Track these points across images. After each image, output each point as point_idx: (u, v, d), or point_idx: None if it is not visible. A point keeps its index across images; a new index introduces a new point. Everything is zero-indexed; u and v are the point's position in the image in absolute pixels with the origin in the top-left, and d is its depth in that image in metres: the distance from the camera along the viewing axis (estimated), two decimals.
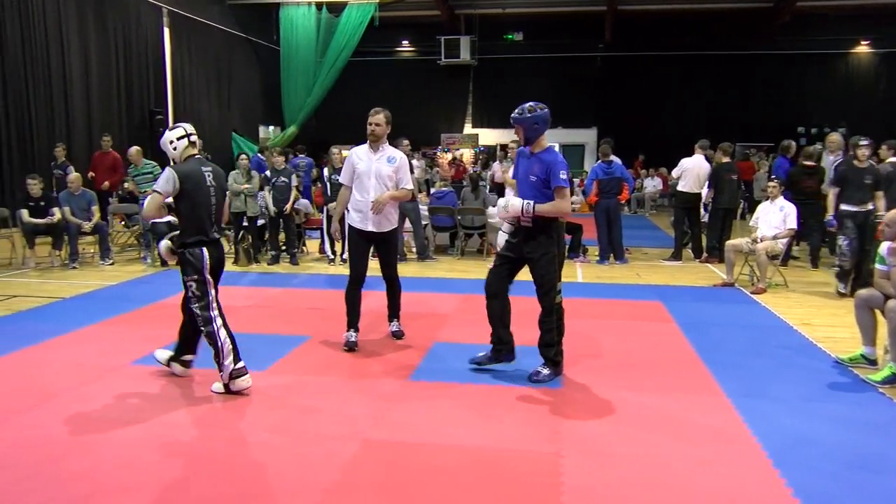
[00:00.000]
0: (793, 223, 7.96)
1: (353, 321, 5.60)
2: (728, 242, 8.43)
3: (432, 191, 11.52)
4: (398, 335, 5.90)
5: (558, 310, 4.83)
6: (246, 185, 9.42)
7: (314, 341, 5.74)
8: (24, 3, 12.24)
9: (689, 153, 10.08)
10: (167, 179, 4.37)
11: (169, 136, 4.56)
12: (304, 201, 10.54)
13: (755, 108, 21.26)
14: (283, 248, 9.89)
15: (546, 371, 4.81)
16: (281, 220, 9.62)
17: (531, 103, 4.81)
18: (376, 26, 19.53)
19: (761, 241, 7.91)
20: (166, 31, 16.50)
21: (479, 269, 9.19)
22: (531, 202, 4.61)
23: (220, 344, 4.42)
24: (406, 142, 9.94)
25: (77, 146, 13.41)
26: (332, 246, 9.72)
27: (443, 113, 24.00)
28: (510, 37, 22.87)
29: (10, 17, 11.96)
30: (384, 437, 3.82)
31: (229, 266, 9.37)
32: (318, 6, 19.72)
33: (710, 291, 7.95)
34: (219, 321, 4.48)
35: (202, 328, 4.48)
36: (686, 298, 7.48)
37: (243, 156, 9.91)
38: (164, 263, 9.34)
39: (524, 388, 4.61)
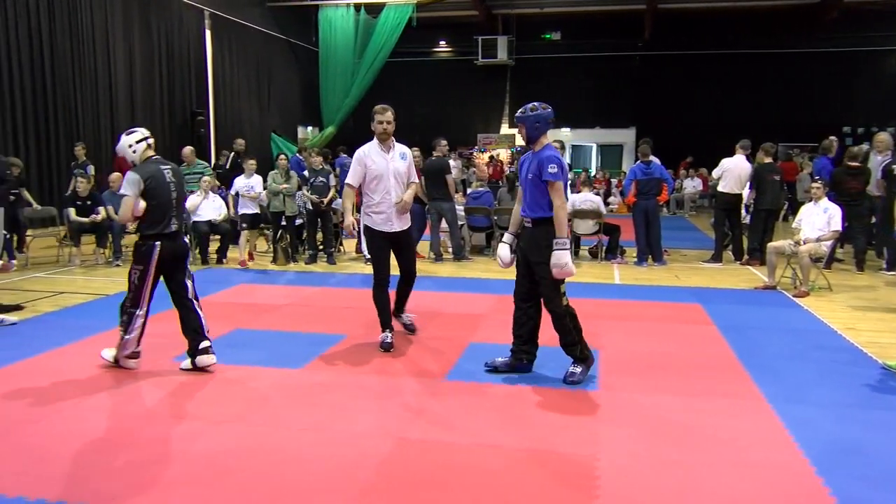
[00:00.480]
0: (837, 225, 7.77)
1: (386, 322, 5.58)
2: (770, 244, 8.27)
3: (469, 191, 11.51)
4: (412, 328, 6.00)
5: (568, 311, 4.70)
6: (285, 185, 9.54)
7: (350, 340, 5.79)
8: (73, 9, 12.59)
9: (730, 153, 9.91)
10: (132, 182, 4.70)
11: (128, 140, 4.88)
12: (340, 201, 10.62)
13: (799, 107, 20.80)
14: (321, 247, 9.98)
15: (578, 369, 4.76)
16: (318, 219, 9.72)
17: (534, 103, 4.83)
18: (414, 27, 19.64)
19: (804, 243, 7.75)
20: (208, 33, 16.79)
21: (515, 270, 9.15)
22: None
23: (130, 330, 4.87)
24: (444, 142, 9.97)
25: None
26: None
27: (479, 113, 24.00)
28: (548, 36, 22.76)
29: (61, 23, 12.30)
30: (420, 437, 3.83)
31: (268, 265, 9.55)
32: (357, 7, 19.89)
33: (750, 294, 7.81)
34: (141, 311, 4.88)
35: (127, 310, 4.89)
36: (726, 301, 7.36)
37: (282, 156, 10.04)
38: (204, 262, 9.55)
39: (560, 390, 4.58)
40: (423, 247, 10.25)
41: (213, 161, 15.88)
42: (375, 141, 5.57)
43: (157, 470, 3.41)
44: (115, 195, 9.57)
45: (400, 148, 5.65)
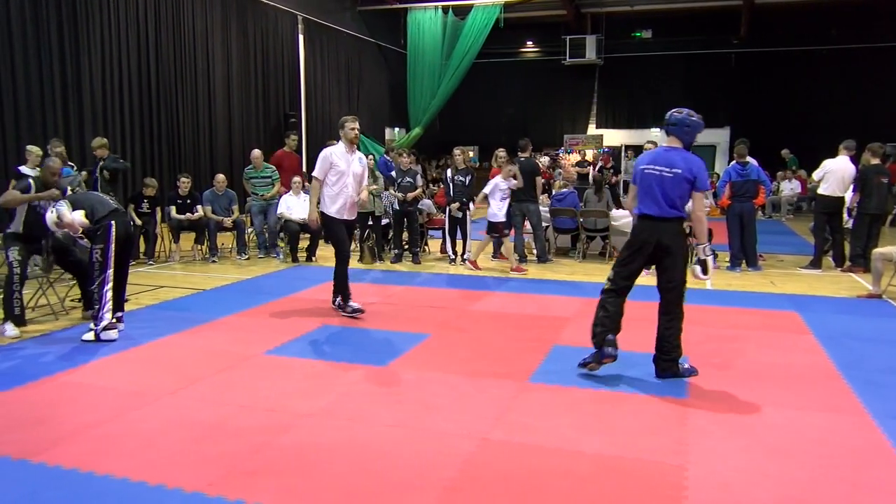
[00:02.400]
0: None
1: (348, 294, 6.66)
2: (875, 251, 7.80)
3: (553, 192, 11.40)
4: (359, 312, 6.65)
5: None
6: (373, 186, 9.70)
7: (434, 339, 5.84)
8: (177, 17, 13.25)
9: (832, 154, 9.43)
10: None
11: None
12: (427, 202, 10.74)
13: None
14: (406, 246, 10.11)
15: (687, 365, 4.88)
16: (405, 219, 9.85)
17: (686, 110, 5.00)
18: (501, 28, 19.61)
19: None
20: (301, 37, 17.29)
21: (601, 273, 9.00)
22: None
23: (103, 302, 5.62)
24: (527, 141, 9.92)
25: (218, 148, 14.37)
26: (454, 246, 9.85)
27: (566, 113, 23.73)
28: (638, 34, 22.28)
29: (166, 30, 12.97)
30: (503, 438, 3.83)
31: (354, 263, 9.74)
32: (445, 9, 20.04)
33: (853, 303, 7.40)
34: (108, 284, 5.65)
35: (95, 286, 5.65)
36: (826, 310, 7.01)
37: (369, 157, 10.21)
38: (294, 259, 9.85)
39: (647, 396, 4.47)
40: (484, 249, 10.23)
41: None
42: (341, 144, 6.64)
43: (250, 460, 3.54)
44: (217, 195, 10.03)
45: (359, 154, 6.78)
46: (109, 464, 3.47)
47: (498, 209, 9.15)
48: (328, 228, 6.87)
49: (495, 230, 9.27)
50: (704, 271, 4.67)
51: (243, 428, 3.94)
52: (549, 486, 3.29)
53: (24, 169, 9.28)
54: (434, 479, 3.34)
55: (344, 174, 6.53)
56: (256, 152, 10.57)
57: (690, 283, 5.08)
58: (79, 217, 5.63)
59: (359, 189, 6.70)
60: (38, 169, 6.17)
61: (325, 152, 6.62)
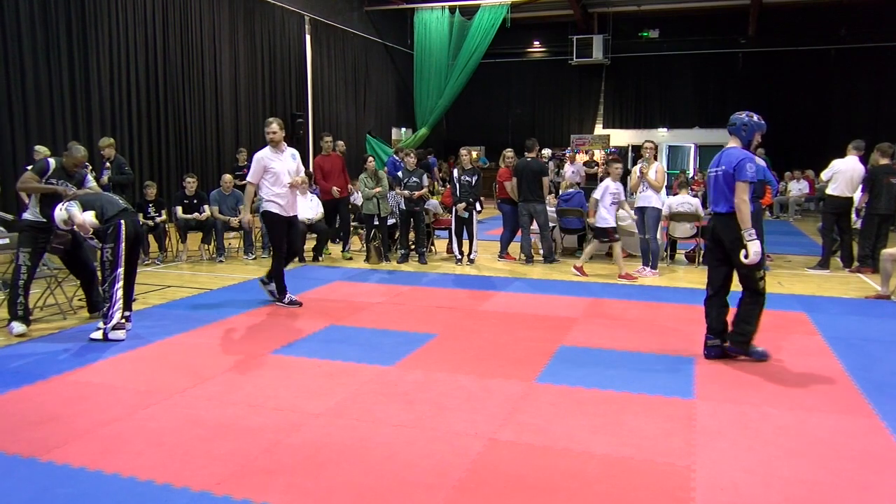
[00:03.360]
0: None
1: (284, 288, 7.06)
2: (884, 251, 7.76)
3: (560, 192, 11.39)
4: (297, 303, 7.05)
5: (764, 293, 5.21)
6: (377, 189, 9.69)
7: (441, 339, 5.84)
8: (184, 18, 13.30)
9: (840, 154, 9.39)
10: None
11: None
12: (433, 202, 10.74)
13: None
14: (413, 246, 10.12)
15: (760, 349, 5.20)
16: (411, 219, 9.85)
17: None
18: (508, 28, 19.61)
19: None
20: (308, 37, 17.34)
21: (607, 273, 9.01)
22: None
23: (114, 300, 5.66)
24: (534, 141, 9.92)
25: (226, 148, 14.41)
26: (460, 246, 9.85)
27: (573, 113, 23.72)
28: (646, 34, 22.24)
29: (173, 32, 13.03)
30: (511, 438, 3.82)
31: (361, 264, 9.76)
32: (452, 10, 20.05)
33: (861, 304, 7.37)
34: (119, 283, 5.69)
35: (106, 285, 5.73)
36: (834, 310, 6.98)
37: (370, 158, 10.18)
38: (301, 259, 9.86)
39: (654, 397, 4.46)
40: (514, 248, 10.22)
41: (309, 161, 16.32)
42: (269, 147, 6.92)
43: (258, 459, 3.55)
44: (224, 195, 10.06)
45: (290, 150, 7.10)
46: (117, 463, 3.48)
47: (608, 214, 8.69)
48: (270, 227, 7.19)
49: (605, 235, 8.84)
50: (746, 255, 4.94)
51: (252, 427, 3.95)
52: (558, 486, 3.29)
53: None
54: (443, 480, 3.34)
55: (279, 174, 6.85)
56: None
57: (704, 283, 5.17)
58: (89, 218, 5.66)
59: (294, 175, 6.99)
60: (65, 153, 6.19)
61: (257, 156, 6.94)
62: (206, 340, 5.80)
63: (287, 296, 7.09)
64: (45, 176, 6.01)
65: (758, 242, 4.94)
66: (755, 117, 5.21)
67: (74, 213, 5.64)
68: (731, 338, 5.23)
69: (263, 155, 6.91)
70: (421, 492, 3.22)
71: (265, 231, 10.16)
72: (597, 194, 8.75)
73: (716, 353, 5.24)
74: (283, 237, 7.02)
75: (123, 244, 5.70)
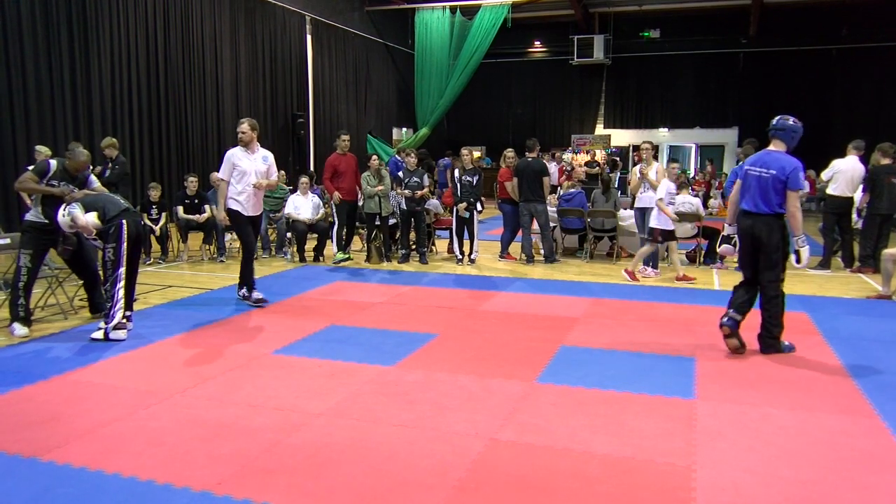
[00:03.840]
0: None
1: (252, 285, 7.12)
2: (885, 251, 7.76)
3: (560, 192, 11.39)
4: (263, 302, 7.09)
5: (783, 295, 5.50)
6: (380, 188, 9.69)
7: (442, 339, 5.84)
8: (185, 18, 13.30)
9: (843, 154, 9.39)
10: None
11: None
12: (434, 202, 10.74)
13: None
14: (413, 246, 10.12)
15: (787, 343, 5.46)
16: (412, 219, 9.85)
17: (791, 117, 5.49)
18: (509, 27, 19.61)
19: None
20: (309, 37, 17.34)
21: (608, 273, 9.01)
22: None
23: (115, 300, 5.69)
24: (534, 141, 9.92)
25: (226, 148, 14.33)
26: (461, 246, 9.85)
27: (574, 113, 23.71)
28: (647, 34, 22.23)
29: (175, 31, 13.03)
30: (512, 438, 3.82)
31: (362, 263, 9.76)
32: (453, 10, 20.06)
33: (862, 304, 7.37)
34: (121, 282, 5.71)
35: (108, 284, 5.75)
36: (835, 310, 6.97)
37: (374, 157, 10.17)
38: (301, 259, 9.87)
39: (654, 397, 4.46)
40: (514, 248, 10.22)
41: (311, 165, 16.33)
42: (240, 146, 7.01)
43: (259, 459, 3.55)
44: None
45: (263, 152, 7.15)
46: (118, 462, 3.48)
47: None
48: (235, 225, 7.25)
49: (666, 236, 8.57)
50: (798, 260, 5.24)
51: (253, 427, 3.96)
52: (559, 486, 3.29)
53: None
54: (444, 480, 3.34)
55: (246, 173, 6.94)
56: (280, 174, 10.54)
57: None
58: (92, 219, 5.67)
59: (262, 179, 7.05)
60: (67, 154, 6.17)
61: (228, 154, 7.05)
62: (206, 340, 5.80)
63: (242, 291, 7.18)
64: (45, 177, 5.97)
65: (808, 248, 5.23)
66: (799, 124, 5.47)
67: (77, 216, 5.65)
68: (763, 342, 5.45)
69: (233, 153, 7.02)
70: (421, 492, 3.22)
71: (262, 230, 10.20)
72: (661, 194, 8.46)
73: (732, 325, 5.41)
74: (248, 233, 7.18)
75: (125, 244, 5.71)
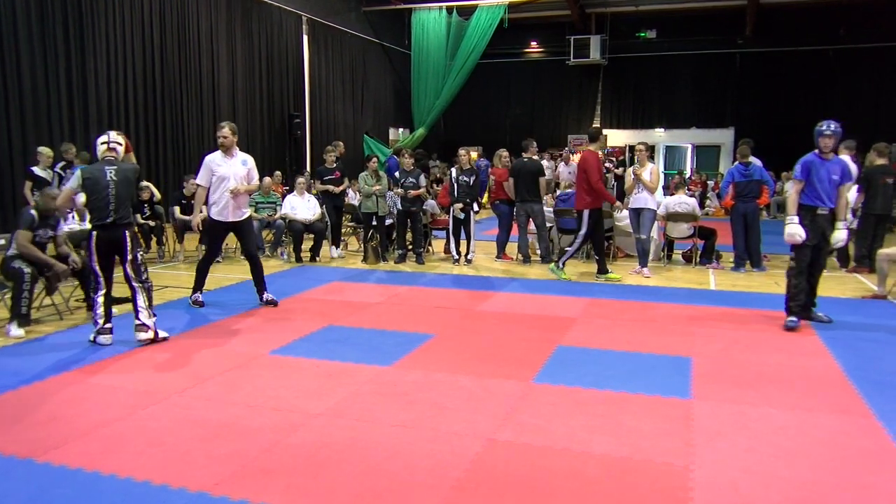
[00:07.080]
0: None
1: (202, 286, 7.11)
2: (881, 251, 7.79)
3: (557, 192, 11.40)
4: (274, 303, 7.04)
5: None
6: (377, 187, 9.70)
7: (439, 339, 5.84)
8: (182, 18, 13.29)
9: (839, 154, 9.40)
10: (74, 178, 5.67)
11: (98, 140, 5.77)
12: (431, 202, 10.75)
13: None
14: (410, 247, 10.12)
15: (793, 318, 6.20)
16: (408, 219, 9.85)
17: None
18: (505, 28, 19.62)
19: None
20: (305, 38, 17.33)
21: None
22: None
23: (95, 308, 5.66)
24: (534, 144, 9.92)
25: None
26: (458, 246, 9.85)
27: (571, 114, 23.74)
28: (643, 34, 22.27)
29: (171, 32, 13.02)
30: (510, 438, 3.83)
31: (358, 264, 9.76)
32: (449, 10, 20.07)
33: (858, 304, 7.39)
34: (101, 291, 5.62)
35: (91, 290, 5.83)
36: (830, 310, 6.98)
37: (374, 158, 10.20)
38: (298, 259, 9.86)
39: (652, 397, 4.47)
40: (511, 248, 10.23)
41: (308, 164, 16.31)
42: (219, 151, 6.85)
43: (257, 459, 3.55)
44: None
45: (242, 156, 6.98)
46: (114, 463, 3.47)
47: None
48: (209, 234, 7.16)
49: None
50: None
51: (251, 427, 3.95)
52: (557, 486, 3.29)
53: (36, 170, 9.34)
54: (442, 480, 3.34)
55: (224, 179, 6.76)
56: (268, 181, 10.54)
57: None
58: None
59: (241, 185, 6.87)
60: (37, 196, 6.25)
61: (206, 159, 6.90)
62: (204, 341, 5.79)
63: (195, 294, 7.11)
64: (34, 228, 6.13)
65: (847, 233, 6.53)
66: (821, 125, 6.38)
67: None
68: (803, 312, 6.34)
69: (212, 158, 6.84)
70: (420, 492, 3.22)
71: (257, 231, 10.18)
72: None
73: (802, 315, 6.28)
74: (217, 243, 7.16)
75: (95, 255, 5.63)
